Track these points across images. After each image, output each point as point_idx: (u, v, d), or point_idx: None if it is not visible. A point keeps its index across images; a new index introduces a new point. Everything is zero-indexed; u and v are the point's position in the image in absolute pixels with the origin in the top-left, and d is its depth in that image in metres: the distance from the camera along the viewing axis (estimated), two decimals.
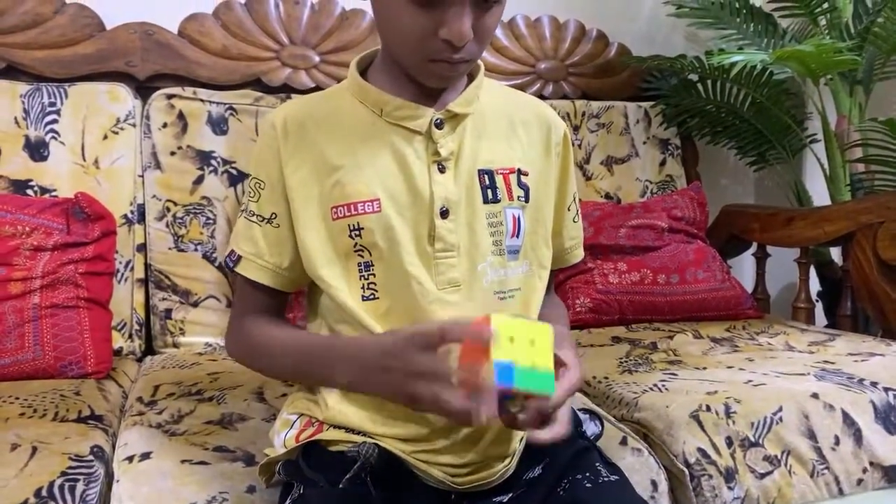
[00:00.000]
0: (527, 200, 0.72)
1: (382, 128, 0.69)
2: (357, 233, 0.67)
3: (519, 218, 0.71)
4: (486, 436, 0.68)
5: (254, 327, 0.73)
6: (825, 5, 1.57)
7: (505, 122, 0.73)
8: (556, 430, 0.60)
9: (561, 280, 1.42)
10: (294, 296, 1.20)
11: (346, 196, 0.67)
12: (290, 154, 0.69)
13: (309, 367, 0.70)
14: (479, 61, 0.72)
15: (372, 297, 0.68)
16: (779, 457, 0.93)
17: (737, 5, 1.66)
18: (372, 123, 0.69)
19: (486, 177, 0.70)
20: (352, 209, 0.67)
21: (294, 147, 0.70)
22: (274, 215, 0.70)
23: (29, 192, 1.23)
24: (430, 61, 0.64)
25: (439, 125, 0.68)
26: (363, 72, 0.72)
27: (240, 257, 0.72)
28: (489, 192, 0.69)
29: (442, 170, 0.68)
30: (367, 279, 0.68)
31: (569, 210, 0.79)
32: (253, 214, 0.71)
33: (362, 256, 0.68)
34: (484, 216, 0.69)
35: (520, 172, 0.71)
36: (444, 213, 0.68)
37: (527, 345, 0.56)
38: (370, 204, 0.67)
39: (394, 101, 0.68)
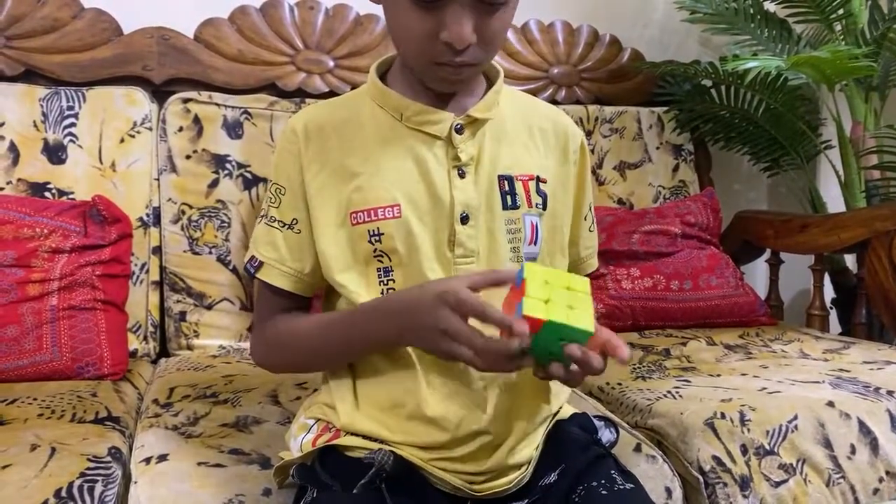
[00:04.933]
0: (544, 208, 0.72)
1: (402, 133, 0.69)
2: (377, 238, 0.67)
3: (537, 225, 0.71)
4: (504, 443, 0.68)
5: (280, 325, 0.73)
6: (840, 11, 1.57)
7: (523, 128, 0.73)
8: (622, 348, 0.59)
9: None
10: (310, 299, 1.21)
11: (366, 201, 0.68)
12: (310, 159, 0.70)
13: (354, 334, 0.68)
14: (499, 67, 0.73)
15: None
16: (794, 465, 0.92)
17: (751, 11, 1.66)
18: (392, 128, 0.69)
19: (505, 182, 0.70)
20: (372, 214, 0.67)
21: (315, 152, 0.70)
22: (295, 221, 0.71)
23: (47, 194, 1.24)
24: (435, 64, 0.64)
25: (459, 130, 0.68)
26: (382, 76, 0.72)
27: (261, 263, 0.72)
28: (508, 198, 0.69)
29: (462, 175, 0.68)
30: (387, 284, 0.68)
31: (585, 219, 0.79)
32: (274, 220, 0.71)
33: (381, 262, 0.68)
34: (503, 222, 0.69)
35: (538, 179, 0.71)
36: (465, 219, 0.68)
37: (563, 290, 0.57)
38: (390, 209, 0.67)
39: (414, 106, 0.68)
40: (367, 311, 0.67)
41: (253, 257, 0.73)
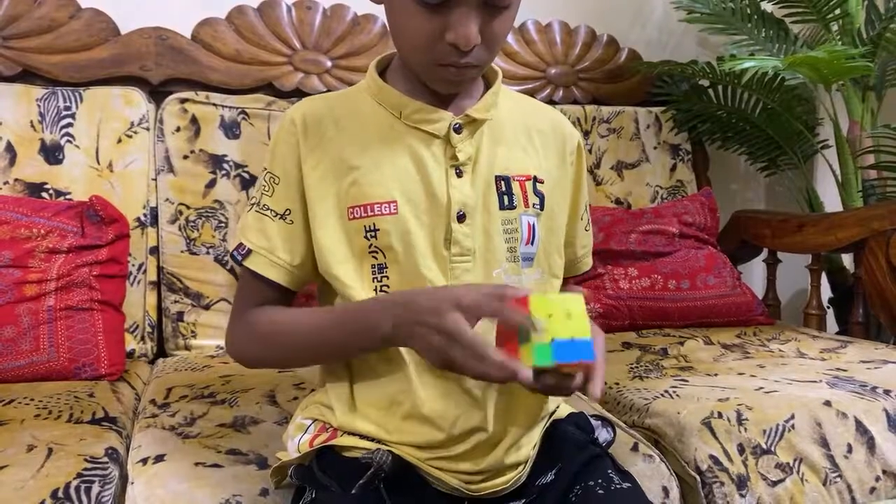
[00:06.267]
0: (542, 208, 0.72)
1: (401, 130, 0.69)
2: (373, 234, 0.67)
3: (534, 226, 0.71)
4: (501, 442, 0.68)
5: (261, 316, 0.71)
6: (837, 11, 1.57)
7: (521, 129, 0.73)
8: (598, 386, 0.60)
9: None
10: (305, 300, 1.21)
11: (363, 197, 0.67)
12: (308, 151, 0.69)
13: (346, 328, 0.66)
14: (497, 68, 0.73)
15: None
16: (791, 464, 0.92)
17: (748, 11, 1.66)
18: (390, 126, 0.69)
19: (502, 183, 0.70)
20: (368, 210, 0.67)
21: (313, 144, 0.70)
22: (288, 211, 0.70)
23: (44, 195, 1.24)
24: (438, 65, 0.64)
25: (458, 130, 0.69)
26: (381, 74, 0.72)
27: (249, 251, 0.70)
28: (505, 198, 0.70)
29: (459, 174, 0.68)
30: (381, 281, 0.68)
31: (581, 220, 0.80)
32: (266, 208, 0.70)
33: (376, 258, 0.68)
34: (500, 222, 0.69)
35: (535, 180, 0.71)
36: (461, 218, 0.68)
37: (564, 318, 0.58)
38: (387, 206, 0.67)
39: (413, 104, 0.69)
40: (363, 302, 0.66)
41: (241, 244, 0.71)
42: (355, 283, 0.68)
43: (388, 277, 0.68)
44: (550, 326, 0.57)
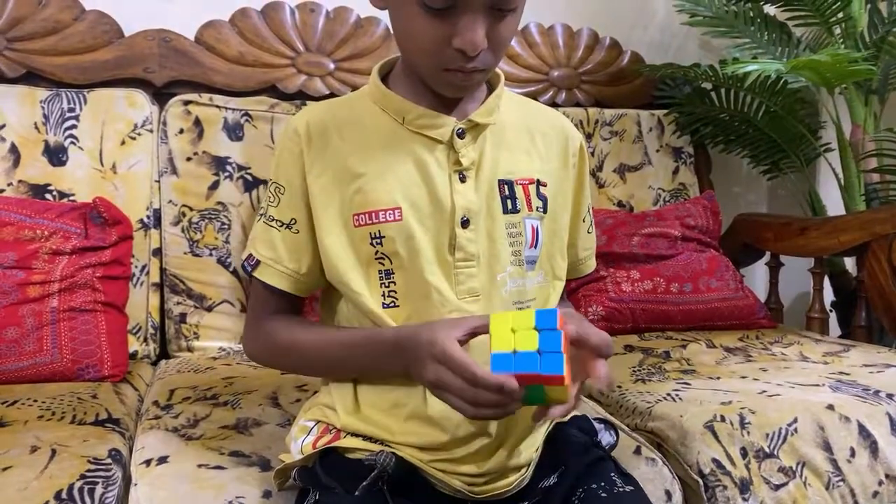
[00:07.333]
0: (545, 211, 0.72)
1: (404, 136, 0.69)
2: (378, 241, 0.67)
3: (537, 228, 0.71)
4: (504, 444, 0.68)
5: (278, 327, 0.73)
6: (840, 15, 1.57)
7: (524, 132, 0.73)
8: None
9: (574, 288, 1.42)
10: (308, 300, 1.21)
11: (368, 203, 0.68)
12: (312, 160, 0.70)
13: (350, 362, 0.70)
14: (500, 71, 0.73)
15: (392, 304, 0.68)
16: (794, 468, 0.92)
17: (751, 14, 1.66)
18: (393, 131, 0.70)
19: (505, 187, 0.70)
20: (373, 217, 0.67)
21: (317, 153, 0.70)
22: (293, 221, 0.71)
23: (48, 196, 1.24)
24: (445, 70, 0.64)
25: (461, 134, 0.69)
26: (384, 78, 0.73)
27: (258, 262, 0.72)
28: (509, 202, 0.70)
29: (463, 179, 0.69)
30: (388, 287, 0.68)
31: (583, 221, 0.80)
32: (272, 219, 0.71)
33: (383, 264, 0.68)
34: (503, 226, 0.69)
35: (538, 183, 0.72)
36: (465, 223, 0.68)
37: (507, 333, 0.58)
38: (391, 212, 0.67)
39: (415, 110, 0.69)
40: (373, 344, 0.68)
41: (250, 255, 0.73)
42: (363, 290, 0.69)
43: (394, 283, 0.68)
44: (492, 341, 0.58)
